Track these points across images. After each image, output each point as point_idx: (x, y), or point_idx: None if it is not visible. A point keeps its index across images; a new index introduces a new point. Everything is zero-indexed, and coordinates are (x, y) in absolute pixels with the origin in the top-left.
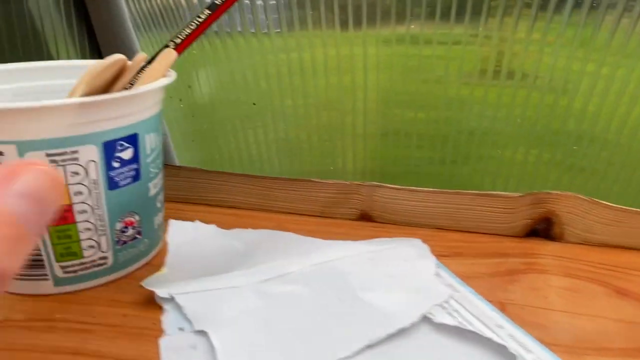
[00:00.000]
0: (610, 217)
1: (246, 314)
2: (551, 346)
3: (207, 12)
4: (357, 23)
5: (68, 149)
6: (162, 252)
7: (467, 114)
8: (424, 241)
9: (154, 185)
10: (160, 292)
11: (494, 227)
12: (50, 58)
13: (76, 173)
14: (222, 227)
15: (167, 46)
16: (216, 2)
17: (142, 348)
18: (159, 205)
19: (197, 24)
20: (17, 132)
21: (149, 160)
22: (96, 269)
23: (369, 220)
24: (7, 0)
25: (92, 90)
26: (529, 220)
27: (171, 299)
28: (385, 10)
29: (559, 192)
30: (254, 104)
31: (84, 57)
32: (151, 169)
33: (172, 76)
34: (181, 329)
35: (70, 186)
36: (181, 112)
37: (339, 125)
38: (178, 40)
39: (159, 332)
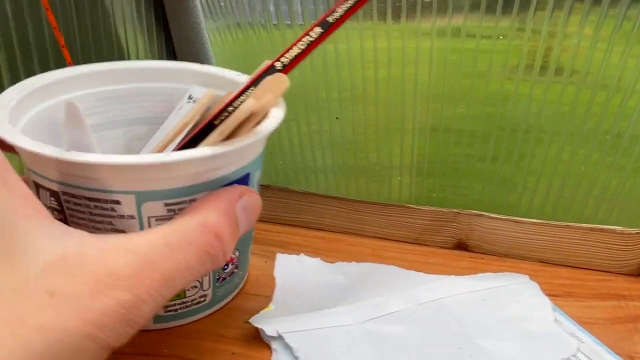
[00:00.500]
0: None
1: (358, 357)
2: None
3: (319, 30)
4: (396, 15)
5: (186, 198)
6: (250, 277)
7: (511, 110)
8: (531, 277)
9: None
10: (268, 330)
11: (606, 264)
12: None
13: None
14: (309, 251)
15: (273, 67)
16: (329, 20)
17: None
18: (252, 235)
19: (307, 44)
20: (138, 183)
21: None
22: (195, 306)
23: (465, 249)
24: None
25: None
26: None
27: (279, 337)
28: (426, 2)
29: None
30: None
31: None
32: None
33: (283, 107)
34: None
35: None
36: None
37: (373, 120)
38: (286, 61)
39: None
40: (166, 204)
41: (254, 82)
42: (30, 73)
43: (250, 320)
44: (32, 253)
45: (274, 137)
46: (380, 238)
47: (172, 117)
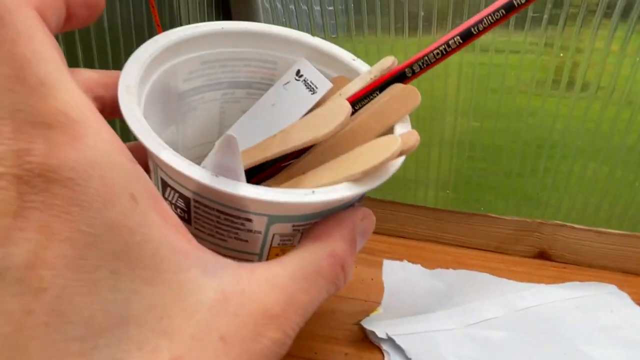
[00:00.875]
0: None
1: (466, 358)
2: None
3: (459, 39)
4: (427, 29)
5: (313, 221)
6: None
7: (537, 125)
8: (618, 287)
9: None
10: (379, 332)
11: None
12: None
13: None
14: (394, 258)
15: (403, 73)
16: (473, 30)
17: None
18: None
19: (443, 52)
20: (275, 210)
21: None
22: None
23: (547, 259)
24: None
25: None
26: None
27: (388, 339)
28: (456, 16)
29: None
30: None
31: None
32: None
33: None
34: None
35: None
36: None
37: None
38: (417, 69)
39: None
40: (294, 226)
41: (380, 86)
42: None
43: (362, 323)
44: (197, 292)
45: None
46: (462, 246)
47: (276, 91)
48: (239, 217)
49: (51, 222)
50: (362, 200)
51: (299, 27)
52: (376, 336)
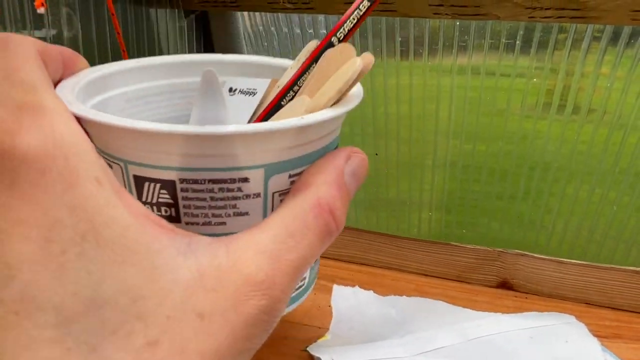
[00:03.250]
0: None
1: None
2: None
3: (367, 2)
4: (418, 53)
5: (305, 168)
6: (301, 308)
7: (529, 148)
8: (577, 318)
9: None
10: (325, 358)
11: None
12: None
13: None
14: (355, 285)
15: (330, 42)
16: None
17: None
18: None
19: (358, 17)
20: (270, 155)
21: None
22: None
23: (509, 288)
24: (140, 40)
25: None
26: None
27: None
28: (446, 41)
29: None
30: None
31: None
32: None
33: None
34: None
35: None
36: None
37: (394, 156)
38: (341, 36)
39: None
40: (290, 176)
41: (314, 59)
42: None
43: (308, 349)
44: (171, 273)
45: None
46: (423, 274)
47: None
48: (234, 180)
49: (14, 204)
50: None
51: (292, 51)
52: None
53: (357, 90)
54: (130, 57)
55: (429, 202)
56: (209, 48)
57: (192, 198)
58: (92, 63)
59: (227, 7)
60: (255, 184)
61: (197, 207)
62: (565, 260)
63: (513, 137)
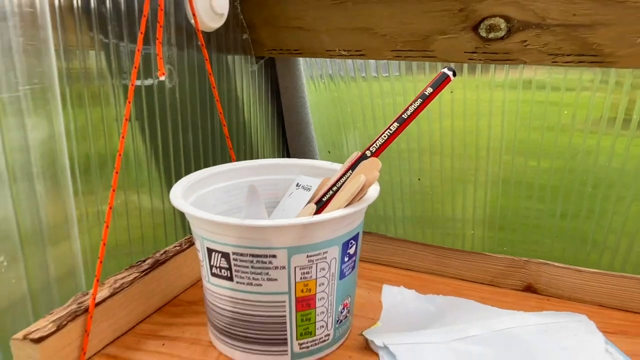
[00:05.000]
0: None
1: None
2: None
3: (396, 124)
4: (471, 68)
5: (322, 251)
6: (357, 304)
7: (593, 165)
8: (589, 317)
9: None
10: (377, 341)
11: None
12: (254, 147)
13: (323, 269)
14: (402, 285)
15: (364, 155)
16: (404, 116)
17: None
18: (356, 287)
19: (388, 136)
20: (291, 240)
21: (358, 252)
22: (321, 344)
23: (533, 292)
24: (232, 106)
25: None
26: None
27: (384, 347)
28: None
29: None
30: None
31: (272, 129)
32: (358, 260)
33: (378, 187)
34: None
35: (317, 279)
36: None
37: (449, 171)
38: (373, 150)
39: None
40: (308, 256)
41: (352, 167)
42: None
43: (363, 333)
44: None
45: None
46: (460, 279)
47: (285, 200)
48: (266, 256)
49: None
50: (358, 237)
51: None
52: (375, 344)
53: (373, 193)
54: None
55: (482, 219)
56: (275, 87)
57: (240, 265)
58: (184, 105)
59: (291, 54)
60: (281, 259)
61: (243, 272)
62: (582, 268)
63: (577, 154)
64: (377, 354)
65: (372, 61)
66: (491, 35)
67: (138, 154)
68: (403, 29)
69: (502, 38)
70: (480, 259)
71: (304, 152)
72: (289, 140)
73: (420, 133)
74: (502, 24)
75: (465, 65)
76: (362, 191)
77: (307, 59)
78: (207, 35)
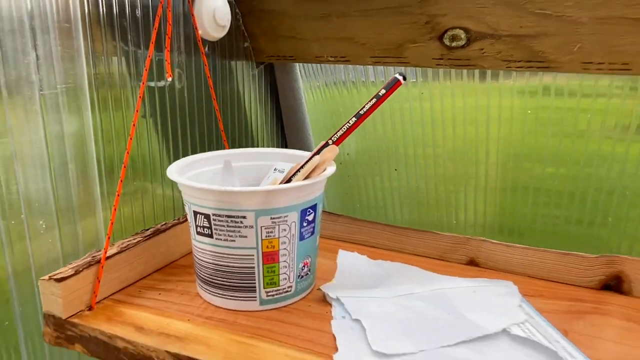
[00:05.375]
0: None
1: (385, 314)
2: None
3: (354, 119)
4: (482, 75)
5: (282, 215)
6: (322, 268)
7: (608, 171)
8: (515, 283)
9: (318, 239)
10: (331, 294)
11: (575, 279)
12: (247, 129)
13: (284, 230)
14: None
15: (327, 143)
16: (360, 112)
17: (321, 325)
18: (317, 251)
19: (346, 128)
20: (257, 204)
21: (318, 220)
22: (285, 294)
23: (475, 265)
24: (224, 85)
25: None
26: (603, 277)
27: (336, 299)
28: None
29: (628, 257)
30: (396, 168)
31: (271, 127)
32: (319, 226)
33: (334, 167)
34: (343, 317)
35: (280, 238)
36: (339, 172)
37: (463, 177)
38: (335, 138)
39: (330, 318)
40: (271, 218)
41: (317, 152)
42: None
43: (320, 287)
44: None
45: (359, 193)
46: (415, 254)
47: (264, 181)
48: (238, 217)
49: None
50: (319, 213)
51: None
52: (329, 297)
53: (329, 170)
54: (217, 96)
55: (491, 225)
56: (274, 89)
57: (218, 224)
58: (192, 104)
59: (287, 60)
60: (249, 220)
61: (220, 230)
62: (513, 244)
63: (592, 160)
64: (330, 305)
65: (369, 68)
66: (454, 44)
67: (152, 146)
68: (380, 38)
69: (463, 46)
70: (431, 236)
71: (301, 148)
72: (287, 137)
73: (425, 138)
74: (462, 34)
75: (477, 72)
76: (317, 170)
77: (307, 69)
78: (213, 44)
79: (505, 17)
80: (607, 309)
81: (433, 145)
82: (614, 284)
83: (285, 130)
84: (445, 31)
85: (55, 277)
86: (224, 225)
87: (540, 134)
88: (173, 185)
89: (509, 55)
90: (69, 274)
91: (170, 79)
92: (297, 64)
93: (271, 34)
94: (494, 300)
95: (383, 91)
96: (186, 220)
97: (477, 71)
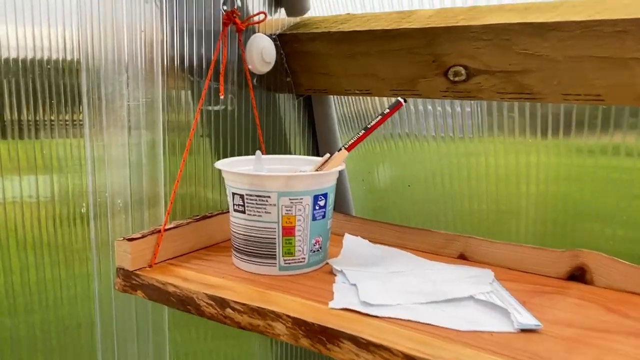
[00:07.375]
0: (628, 272)
1: (377, 282)
2: (543, 321)
3: (362, 131)
4: (544, 131)
5: (299, 197)
6: (333, 253)
7: None
8: (492, 270)
9: (330, 223)
10: (336, 266)
11: (545, 270)
12: (289, 150)
13: (300, 210)
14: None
15: (340, 148)
16: (368, 126)
17: (325, 286)
18: (329, 235)
19: (355, 138)
20: (279, 187)
21: (329, 207)
22: (299, 264)
23: (465, 259)
24: (269, 113)
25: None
26: (569, 268)
27: (340, 271)
28: (590, 119)
29: (590, 251)
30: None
31: (309, 148)
32: (330, 213)
33: (343, 166)
34: (344, 282)
35: (296, 216)
36: (362, 188)
37: (531, 235)
38: (346, 146)
39: (333, 283)
40: (290, 199)
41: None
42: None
43: (328, 261)
44: None
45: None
46: (413, 250)
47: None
48: (264, 197)
49: None
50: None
51: (442, 128)
52: (334, 268)
53: (339, 167)
54: (261, 120)
55: None
56: (311, 117)
57: (249, 203)
58: (240, 128)
59: (321, 92)
60: (273, 199)
61: (251, 207)
62: (495, 241)
63: None
64: (335, 275)
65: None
66: (457, 78)
67: (206, 160)
68: (396, 74)
69: (464, 81)
70: (427, 234)
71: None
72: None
73: (489, 194)
74: (463, 70)
75: (526, 129)
76: (325, 166)
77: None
78: (260, 77)
79: (496, 56)
80: (567, 292)
81: (497, 202)
82: (578, 274)
83: (320, 154)
84: (449, 68)
85: (127, 238)
86: (254, 203)
87: (611, 194)
88: (218, 189)
89: (502, 88)
90: (138, 237)
91: (222, 97)
92: (330, 96)
93: (309, 71)
94: (469, 279)
95: (387, 110)
96: (228, 211)
97: (524, 127)
